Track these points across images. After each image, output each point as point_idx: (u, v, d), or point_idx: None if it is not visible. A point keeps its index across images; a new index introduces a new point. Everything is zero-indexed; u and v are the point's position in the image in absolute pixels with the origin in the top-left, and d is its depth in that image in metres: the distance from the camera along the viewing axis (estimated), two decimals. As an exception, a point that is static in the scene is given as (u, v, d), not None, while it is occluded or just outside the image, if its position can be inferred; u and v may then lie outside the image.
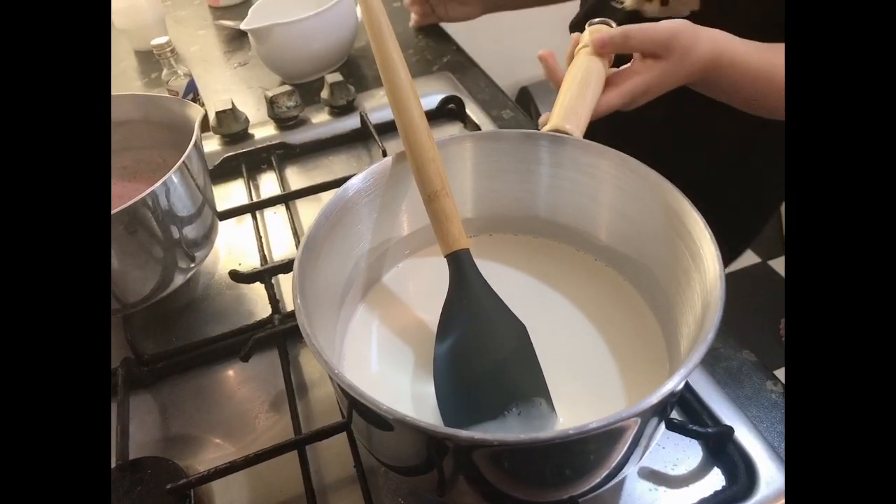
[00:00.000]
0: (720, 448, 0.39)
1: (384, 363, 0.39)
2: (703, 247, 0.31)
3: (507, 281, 0.41)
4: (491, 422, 0.33)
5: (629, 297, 0.39)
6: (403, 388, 0.38)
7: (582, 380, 0.37)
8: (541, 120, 0.43)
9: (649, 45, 0.42)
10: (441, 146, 0.39)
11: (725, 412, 0.41)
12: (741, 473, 0.38)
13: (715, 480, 0.38)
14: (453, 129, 0.70)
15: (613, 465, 0.30)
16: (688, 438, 0.40)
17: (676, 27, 0.43)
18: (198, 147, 0.47)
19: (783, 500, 0.36)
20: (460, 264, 0.36)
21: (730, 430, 0.38)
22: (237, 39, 0.95)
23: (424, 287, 0.43)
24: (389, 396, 0.36)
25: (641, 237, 0.37)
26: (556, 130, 0.39)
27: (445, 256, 0.37)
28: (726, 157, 0.64)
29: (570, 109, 0.40)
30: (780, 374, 0.43)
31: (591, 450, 0.29)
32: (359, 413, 0.30)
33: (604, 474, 0.31)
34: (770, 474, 0.37)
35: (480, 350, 0.35)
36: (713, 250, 0.30)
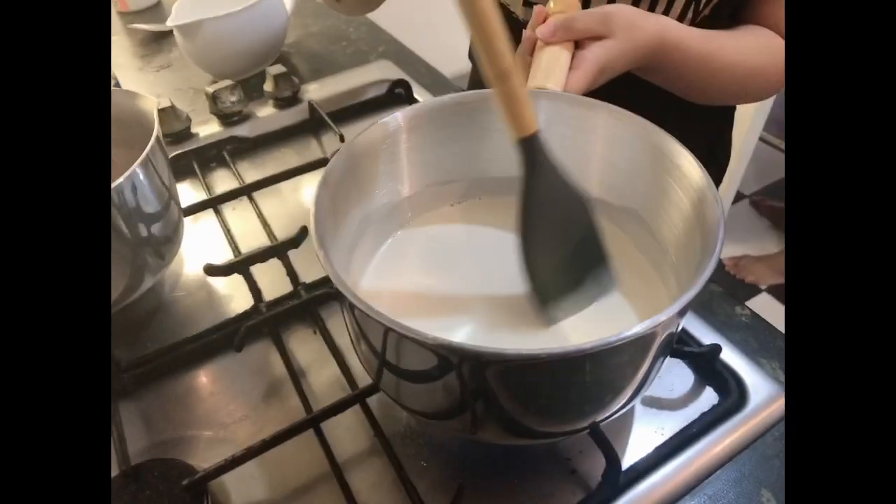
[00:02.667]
0: (710, 366, 0.42)
1: (396, 312, 0.39)
2: (690, 174, 0.34)
3: (501, 244, 0.42)
4: (573, 293, 0.37)
5: (623, 243, 0.42)
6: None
7: (597, 321, 0.38)
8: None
9: (592, 27, 0.44)
10: (427, 106, 0.39)
11: (707, 336, 0.44)
12: (732, 387, 0.41)
13: (709, 397, 0.42)
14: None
15: (636, 382, 0.32)
16: (679, 366, 0.43)
17: (614, 6, 0.45)
18: (159, 140, 0.45)
19: (773, 406, 0.40)
20: (534, 149, 0.35)
21: (718, 347, 0.42)
22: (154, 42, 0.91)
23: (431, 251, 0.43)
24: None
25: (630, 183, 0.40)
26: (539, 88, 0.40)
27: (518, 141, 0.35)
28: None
29: (547, 70, 0.41)
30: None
31: (619, 364, 0.30)
32: (392, 362, 0.30)
33: (627, 393, 0.33)
34: (757, 385, 0.41)
35: (559, 229, 0.38)
36: (696, 166, 0.33)
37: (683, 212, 0.36)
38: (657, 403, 0.41)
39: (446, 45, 1.29)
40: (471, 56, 0.78)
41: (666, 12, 0.52)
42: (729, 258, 1.59)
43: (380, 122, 0.39)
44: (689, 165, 0.35)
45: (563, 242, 0.37)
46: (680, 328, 0.40)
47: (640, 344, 0.29)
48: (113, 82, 0.70)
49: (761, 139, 1.74)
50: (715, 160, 0.71)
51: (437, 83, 0.75)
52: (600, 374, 0.30)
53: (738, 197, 1.75)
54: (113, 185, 0.40)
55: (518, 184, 0.36)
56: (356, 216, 0.39)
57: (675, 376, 0.43)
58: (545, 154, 0.36)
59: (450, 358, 0.28)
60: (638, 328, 0.26)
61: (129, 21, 0.96)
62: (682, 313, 0.29)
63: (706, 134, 0.68)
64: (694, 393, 0.42)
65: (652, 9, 0.51)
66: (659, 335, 0.29)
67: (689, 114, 0.55)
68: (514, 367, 0.28)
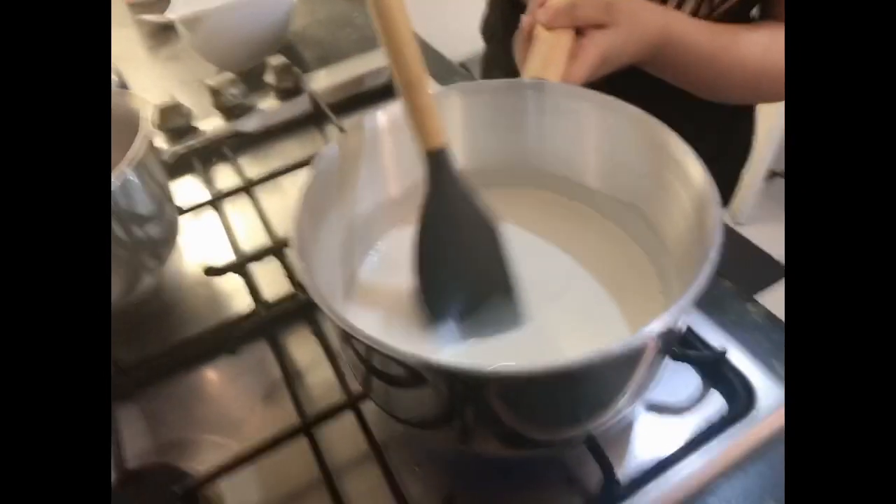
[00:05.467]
0: (716, 371, 0.40)
1: (387, 323, 0.38)
2: (691, 172, 0.32)
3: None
4: (466, 320, 0.35)
5: (622, 242, 0.40)
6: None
7: (584, 323, 0.37)
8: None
9: (594, 13, 0.42)
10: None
11: (715, 337, 0.42)
12: (740, 392, 0.39)
13: (716, 402, 0.40)
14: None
15: (631, 390, 0.31)
16: (684, 368, 0.41)
17: None
18: (150, 140, 0.45)
19: (781, 413, 0.38)
20: (439, 163, 0.35)
21: (724, 352, 0.40)
22: (161, 33, 0.90)
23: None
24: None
25: (629, 176, 0.38)
26: (536, 79, 0.39)
27: (424, 154, 0.35)
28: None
29: (546, 59, 0.40)
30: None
31: (611, 376, 0.29)
32: (377, 373, 0.30)
33: (621, 403, 0.31)
34: (766, 390, 0.39)
35: (458, 249, 0.36)
36: (703, 173, 0.31)
37: (684, 209, 0.34)
38: (660, 408, 0.40)
39: (455, 28, 1.26)
40: (483, 31, 0.75)
41: (679, 6, 0.49)
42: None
43: (359, 121, 0.38)
44: (687, 161, 0.33)
45: (462, 265, 0.36)
46: (683, 330, 0.39)
47: (629, 356, 0.27)
48: (117, 77, 0.69)
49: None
50: (729, 149, 0.68)
51: (442, 70, 0.73)
52: (590, 388, 0.29)
53: (771, 175, 1.68)
54: (103, 189, 0.40)
55: (421, 197, 0.35)
56: (346, 215, 0.38)
57: (679, 379, 0.41)
58: (450, 171, 0.35)
59: (432, 377, 0.27)
60: (621, 343, 0.25)
61: (138, 12, 0.96)
62: (675, 323, 0.27)
63: (718, 124, 0.64)
64: (700, 397, 0.40)
65: (664, 1, 0.49)
66: (650, 346, 0.28)
67: (699, 105, 0.52)
68: (496, 384, 0.27)
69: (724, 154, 0.68)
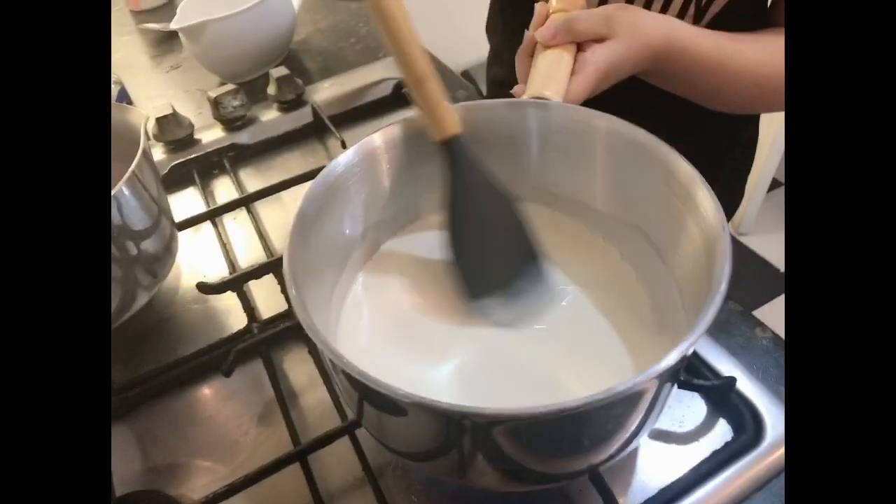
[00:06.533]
0: (724, 399, 0.39)
1: (378, 346, 0.37)
2: (700, 201, 0.31)
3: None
4: (503, 291, 0.37)
5: (621, 260, 0.39)
6: (401, 372, 0.36)
7: (584, 351, 0.36)
8: (515, 90, 0.41)
9: (593, 27, 0.41)
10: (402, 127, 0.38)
11: (723, 363, 0.41)
12: (747, 421, 0.38)
13: (723, 431, 0.39)
14: (410, 115, 0.68)
15: (633, 428, 0.30)
16: (690, 395, 0.40)
17: (613, 6, 0.42)
18: (147, 154, 0.44)
19: (790, 442, 0.37)
20: (456, 150, 0.36)
21: (732, 380, 0.38)
22: (165, 42, 0.90)
23: (415, 266, 0.41)
24: (388, 380, 0.35)
25: (634, 198, 0.37)
26: (537, 97, 0.38)
27: (439, 143, 0.37)
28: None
29: (547, 76, 0.38)
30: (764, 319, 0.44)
31: (612, 415, 0.28)
32: (371, 404, 0.29)
33: (624, 439, 0.30)
34: (774, 418, 0.38)
35: (486, 229, 0.38)
36: (711, 202, 0.30)
37: (692, 239, 0.33)
38: (665, 437, 0.39)
39: (459, 34, 1.26)
40: (488, 29, 0.74)
41: (664, 10, 0.48)
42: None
43: (355, 146, 0.38)
44: (699, 194, 0.31)
45: (489, 240, 0.38)
46: (688, 357, 0.37)
47: (635, 394, 0.26)
48: (118, 85, 0.69)
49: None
50: (732, 160, 0.67)
51: (444, 80, 0.72)
52: (593, 426, 0.28)
53: (775, 185, 1.66)
54: (97, 206, 0.39)
55: (443, 184, 0.37)
56: (342, 238, 0.37)
57: (685, 407, 0.40)
58: (467, 155, 0.37)
59: (430, 419, 0.26)
60: (628, 383, 0.24)
61: (141, 20, 0.95)
62: (681, 359, 0.26)
63: (721, 134, 0.63)
64: (706, 426, 0.39)
65: (648, 6, 0.48)
66: (654, 385, 0.27)
67: (702, 115, 0.51)
68: (494, 424, 0.26)
69: (728, 165, 0.67)
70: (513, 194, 0.38)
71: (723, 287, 0.27)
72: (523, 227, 0.38)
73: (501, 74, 0.72)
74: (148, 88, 0.81)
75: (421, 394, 0.33)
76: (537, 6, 0.43)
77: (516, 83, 0.43)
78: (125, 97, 0.70)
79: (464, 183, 0.37)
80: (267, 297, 0.50)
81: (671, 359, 0.25)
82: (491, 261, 0.38)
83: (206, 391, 0.45)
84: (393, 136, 0.39)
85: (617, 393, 0.24)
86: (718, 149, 0.64)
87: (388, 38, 0.35)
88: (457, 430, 0.27)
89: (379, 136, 0.38)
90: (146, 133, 0.44)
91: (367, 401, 0.29)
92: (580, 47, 0.41)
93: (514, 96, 0.41)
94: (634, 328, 0.36)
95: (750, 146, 0.69)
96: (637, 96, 0.45)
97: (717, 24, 0.49)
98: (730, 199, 0.72)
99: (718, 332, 0.44)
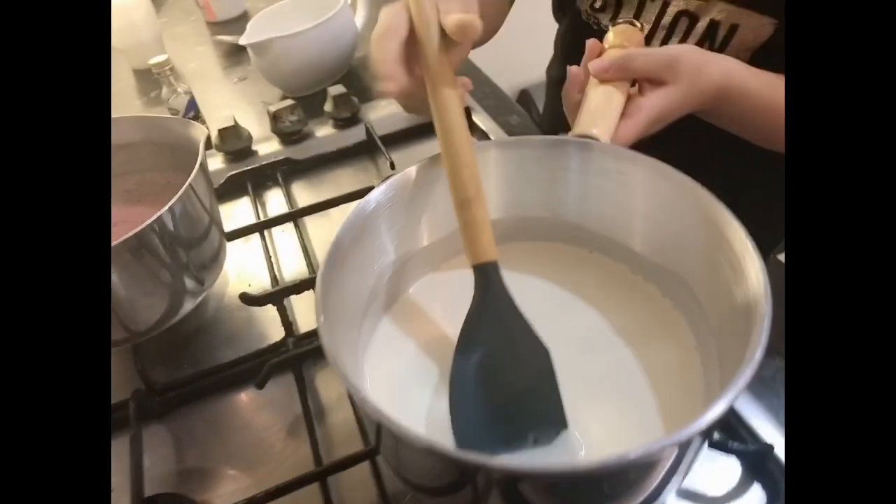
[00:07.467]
0: (759, 462, 0.37)
1: (405, 380, 0.38)
2: (744, 259, 0.29)
3: (533, 291, 0.39)
4: (508, 447, 0.32)
5: (664, 311, 0.38)
6: (425, 405, 0.36)
7: (613, 400, 0.35)
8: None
9: (653, 69, 0.40)
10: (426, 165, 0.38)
11: (762, 425, 0.39)
12: (782, 490, 0.36)
13: (757, 497, 0.37)
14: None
15: (652, 490, 0.29)
16: (725, 454, 0.38)
17: (680, 49, 0.41)
18: (203, 168, 0.46)
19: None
20: (488, 277, 0.35)
21: (770, 447, 0.36)
22: (236, 54, 0.94)
23: (446, 301, 0.41)
24: (411, 414, 0.35)
25: (678, 247, 0.36)
26: (583, 136, 0.37)
27: (473, 267, 0.35)
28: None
29: (596, 114, 0.38)
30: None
31: (630, 477, 0.27)
32: (386, 436, 0.29)
33: (644, 497, 0.29)
34: (814, 490, 0.36)
35: (501, 371, 0.34)
36: (757, 263, 0.28)
37: (732, 296, 0.31)
38: (694, 497, 0.37)
39: (520, 55, 1.25)
40: (556, 44, 0.72)
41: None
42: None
43: (390, 180, 0.38)
44: (745, 253, 0.30)
45: (504, 389, 0.33)
46: (717, 422, 0.36)
47: (645, 466, 0.25)
48: (189, 95, 0.73)
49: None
50: (778, 198, 0.64)
51: (500, 106, 0.72)
52: (609, 486, 0.27)
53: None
54: (154, 216, 0.41)
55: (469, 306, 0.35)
56: (375, 270, 0.38)
57: (718, 468, 0.38)
58: (498, 286, 0.35)
59: (455, 471, 0.26)
60: (656, 443, 0.23)
61: (217, 31, 1.00)
62: (714, 422, 0.25)
63: (765, 171, 0.60)
64: (739, 490, 0.37)
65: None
66: (673, 455, 0.25)
67: (750, 154, 0.49)
68: (506, 479, 0.25)
69: (773, 202, 0.64)
70: (544, 342, 0.34)
71: (757, 355, 0.25)
72: (549, 376, 0.33)
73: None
74: (216, 98, 0.85)
75: (443, 429, 0.34)
76: (590, 42, 0.43)
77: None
78: (194, 107, 0.73)
79: (490, 311, 0.35)
80: (307, 311, 0.51)
81: (706, 419, 0.24)
82: (499, 409, 0.33)
83: (242, 399, 0.46)
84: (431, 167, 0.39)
85: (630, 461, 0.23)
86: (761, 188, 0.61)
87: (448, 160, 0.35)
88: (469, 475, 0.26)
89: (414, 171, 0.38)
90: (204, 147, 0.46)
91: (383, 433, 0.29)
92: (634, 84, 0.40)
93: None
94: (670, 378, 0.35)
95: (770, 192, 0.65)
96: (678, 134, 0.43)
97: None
98: (768, 240, 0.69)
99: (763, 389, 0.41)
